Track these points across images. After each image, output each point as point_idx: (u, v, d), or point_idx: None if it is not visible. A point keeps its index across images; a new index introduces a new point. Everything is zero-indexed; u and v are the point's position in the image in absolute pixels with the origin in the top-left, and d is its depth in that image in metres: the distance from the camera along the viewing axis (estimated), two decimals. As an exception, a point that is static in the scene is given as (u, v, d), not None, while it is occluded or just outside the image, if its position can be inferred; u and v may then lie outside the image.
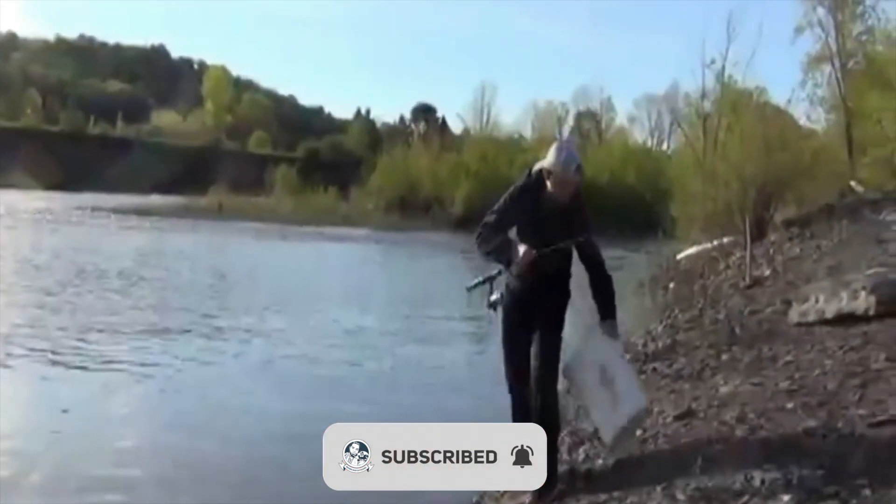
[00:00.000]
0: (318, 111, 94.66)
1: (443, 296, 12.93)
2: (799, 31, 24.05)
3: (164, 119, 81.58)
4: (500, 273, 3.92)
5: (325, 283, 16.25)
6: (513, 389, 4.09)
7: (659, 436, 4.55)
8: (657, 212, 15.63)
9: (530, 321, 4.03)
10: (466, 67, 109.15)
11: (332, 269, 19.68)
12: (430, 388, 7.45)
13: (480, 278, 3.97)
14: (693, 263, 12.43)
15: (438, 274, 17.89)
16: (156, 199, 48.12)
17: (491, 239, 3.95)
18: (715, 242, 13.34)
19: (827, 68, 24.05)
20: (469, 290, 4.00)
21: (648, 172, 27.51)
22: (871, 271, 6.67)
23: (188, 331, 9.92)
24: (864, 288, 6.02)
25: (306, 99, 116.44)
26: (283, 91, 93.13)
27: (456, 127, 60.41)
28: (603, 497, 3.83)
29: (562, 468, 4.64)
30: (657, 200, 16.75)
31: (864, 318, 5.91)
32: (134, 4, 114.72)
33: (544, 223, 3.94)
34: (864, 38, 24.08)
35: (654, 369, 6.40)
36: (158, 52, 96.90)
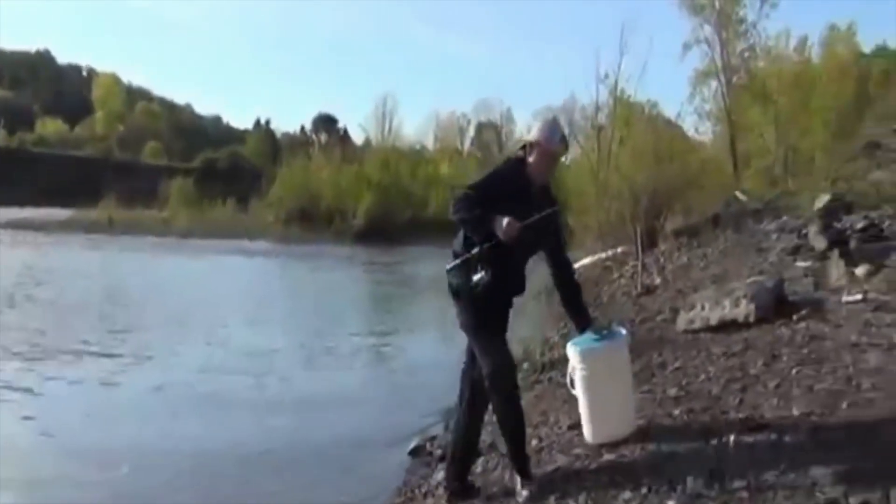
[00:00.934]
0: (216, 120, 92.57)
1: (345, 310, 12.84)
2: (687, 47, 25.16)
3: (50, 128, 77.86)
4: (480, 249, 3.74)
5: (224, 299, 15.82)
6: (500, 389, 3.91)
7: (553, 445, 4.61)
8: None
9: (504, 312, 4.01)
10: (368, 78, 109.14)
11: (230, 285, 19.21)
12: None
13: (459, 260, 3.81)
14: (588, 272, 12.74)
15: (341, 287, 17.73)
16: (41, 213, 45.85)
17: (472, 209, 3.74)
18: (609, 252, 13.75)
19: (713, 83, 25.27)
20: (449, 270, 3.85)
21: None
22: (750, 280, 6.98)
23: (72, 353, 9.51)
24: (744, 296, 6.30)
25: (203, 108, 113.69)
26: (179, 99, 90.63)
27: (357, 138, 60.17)
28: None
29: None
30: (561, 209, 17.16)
31: (744, 325, 6.17)
32: (17, 6, 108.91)
33: (525, 205, 3.83)
34: (746, 55, 25.41)
35: (550, 379, 6.50)
36: (43, 58, 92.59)
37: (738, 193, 17.26)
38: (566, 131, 4.11)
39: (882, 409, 3.76)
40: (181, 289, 16.35)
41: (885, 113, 13.07)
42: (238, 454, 6.07)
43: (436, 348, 9.17)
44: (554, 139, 3.93)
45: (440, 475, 5.09)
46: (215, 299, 15.44)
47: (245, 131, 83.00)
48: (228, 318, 12.54)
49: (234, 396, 7.87)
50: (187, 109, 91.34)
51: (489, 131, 60.80)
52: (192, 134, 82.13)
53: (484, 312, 3.88)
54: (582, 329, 4.17)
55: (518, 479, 3.97)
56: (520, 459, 3.96)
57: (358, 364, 9.40)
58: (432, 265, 18.18)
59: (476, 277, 3.73)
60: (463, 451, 4.21)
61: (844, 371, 4.49)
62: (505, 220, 3.61)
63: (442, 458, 5.61)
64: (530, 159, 3.92)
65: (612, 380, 4.19)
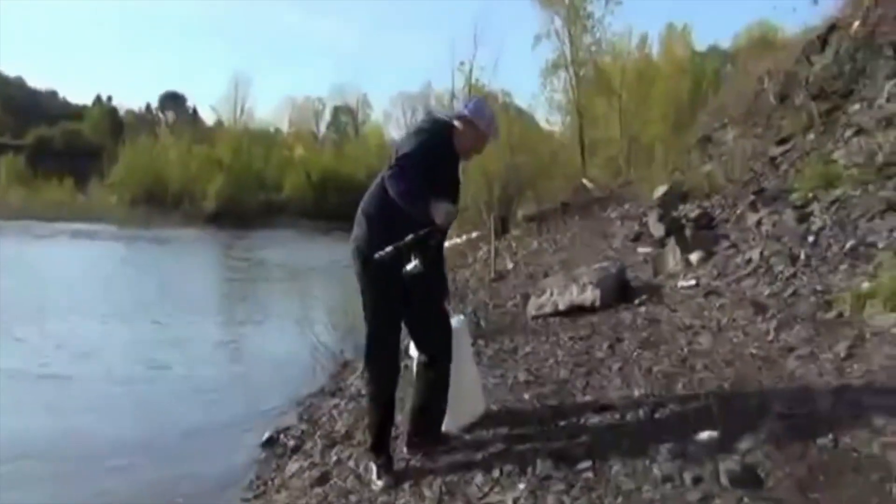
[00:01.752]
0: (52, 95, 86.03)
1: (195, 298, 12.28)
2: (539, 39, 25.83)
3: None
4: (414, 237, 3.55)
5: (62, 285, 14.70)
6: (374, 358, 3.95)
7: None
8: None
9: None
10: (224, 59, 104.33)
11: (69, 270, 17.92)
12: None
13: (391, 247, 3.61)
14: (447, 257, 12.89)
15: (191, 274, 16.99)
16: None
17: (415, 184, 3.50)
18: (464, 237, 13.99)
19: (563, 74, 26.08)
20: (379, 257, 3.63)
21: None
22: (596, 266, 7.30)
23: None
24: (590, 282, 6.58)
25: (37, 81, 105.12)
26: (10, 71, 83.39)
27: (208, 118, 57.67)
28: (356, 498, 3.83)
29: (315, 472, 4.63)
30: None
31: (590, 310, 6.46)
32: None
33: (452, 175, 3.81)
34: (593, 48, 26.41)
35: (405, 366, 6.51)
36: None
37: (585, 181, 17.98)
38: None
39: (711, 389, 4.02)
40: (11, 275, 15.07)
41: (716, 109, 13.95)
42: (79, 453, 5.70)
43: (290, 338, 8.93)
44: (492, 127, 3.85)
45: (294, 466, 5.01)
46: (53, 287, 14.35)
47: (84, 107, 77.69)
48: (66, 308, 11.69)
49: (71, 393, 7.37)
50: (18, 82, 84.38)
51: (345, 115, 60.16)
52: (24, 108, 75.93)
53: (386, 284, 3.79)
54: None
55: (373, 467, 3.96)
56: (374, 440, 3.99)
57: (208, 355, 8.98)
58: (286, 251, 17.78)
59: (409, 267, 3.59)
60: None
61: (679, 353, 4.78)
62: (444, 206, 3.46)
63: (295, 449, 5.52)
64: (462, 134, 3.79)
65: (455, 368, 4.22)
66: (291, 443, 5.65)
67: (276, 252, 16.78)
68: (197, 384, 7.66)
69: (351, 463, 4.54)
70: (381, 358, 3.92)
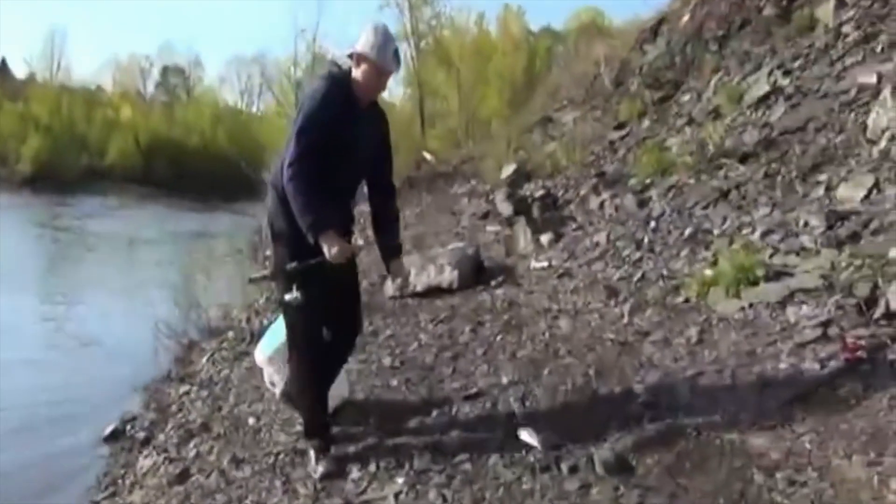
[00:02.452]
0: None
1: (11, 274, 11.06)
2: (381, 8, 25.58)
3: None
4: (300, 267, 3.30)
5: None
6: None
7: (273, 423, 4.47)
8: (249, 174, 15.34)
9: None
10: (33, 9, 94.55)
11: None
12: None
13: (266, 272, 3.26)
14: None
15: (4, 245, 15.42)
16: None
17: (309, 196, 3.22)
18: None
19: (404, 46, 26.04)
20: (252, 281, 3.30)
21: (239, 134, 27.07)
22: (451, 246, 7.38)
23: None
24: (448, 263, 6.64)
25: None
26: None
27: (20, 72, 52.29)
28: (223, 498, 3.65)
29: (172, 467, 4.37)
30: (249, 163, 16.44)
31: (448, 291, 6.52)
32: None
33: (352, 126, 3.37)
34: (433, 22, 26.56)
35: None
36: None
37: (425, 154, 18.08)
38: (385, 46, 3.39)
39: (577, 375, 4.18)
40: None
41: (554, 90, 14.46)
42: None
43: (126, 318, 8.25)
44: (387, 58, 3.38)
45: (147, 462, 4.70)
46: None
47: None
48: None
49: None
50: None
51: (175, 76, 56.68)
52: None
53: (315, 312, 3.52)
54: (388, 256, 3.78)
55: (311, 453, 3.73)
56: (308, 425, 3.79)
57: (32, 338, 8.19)
58: (114, 220, 16.62)
59: (288, 297, 3.33)
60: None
61: (542, 338, 4.93)
62: (335, 247, 3.25)
63: (146, 442, 5.19)
64: (357, 75, 3.38)
65: None
66: (141, 434, 5.29)
67: (103, 222, 15.61)
68: (22, 372, 6.95)
69: (212, 457, 4.32)
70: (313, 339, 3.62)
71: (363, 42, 3.36)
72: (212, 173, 21.74)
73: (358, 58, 3.37)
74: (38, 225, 15.36)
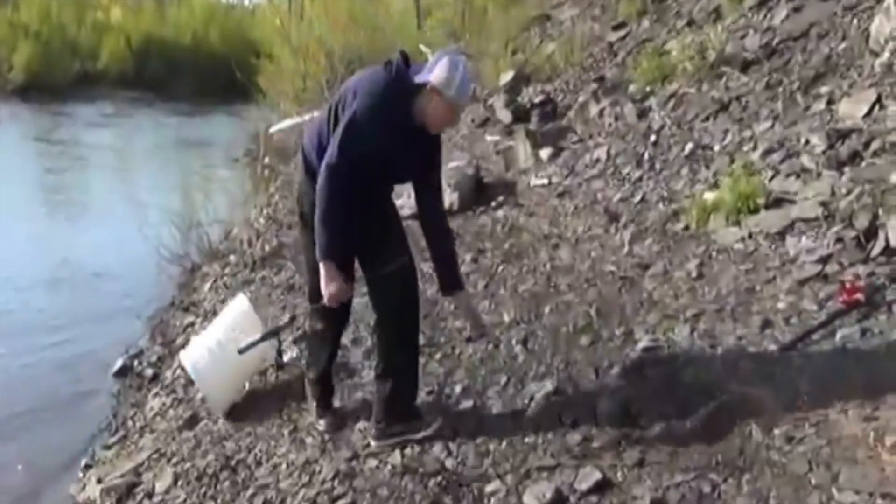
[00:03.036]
0: None
1: (5, 189, 10.81)
2: None
3: None
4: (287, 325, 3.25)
5: None
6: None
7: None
8: (242, 76, 14.96)
9: None
10: None
11: None
12: None
13: (258, 336, 3.19)
14: (287, 138, 12.33)
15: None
16: None
17: (342, 194, 3.06)
18: (306, 116, 13.37)
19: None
20: (242, 351, 3.27)
21: (232, 32, 26.25)
22: (451, 164, 7.28)
23: None
24: (448, 185, 6.58)
25: None
26: None
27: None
28: (233, 446, 3.75)
29: (181, 410, 4.49)
30: (242, 63, 15.98)
31: (449, 213, 6.45)
32: None
33: (408, 160, 3.22)
34: None
35: (263, 278, 6.32)
36: None
37: (422, 47, 17.51)
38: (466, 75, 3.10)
39: (578, 314, 4.22)
40: None
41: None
42: None
43: (126, 238, 7.97)
44: (466, 95, 3.14)
45: (156, 402, 4.82)
46: None
47: None
48: None
49: None
50: None
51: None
52: None
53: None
54: (446, 293, 3.54)
55: (313, 405, 3.78)
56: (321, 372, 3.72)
57: (29, 261, 7.93)
58: (109, 129, 16.33)
59: (286, 358, 3.28)
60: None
61: (543, 269, 4.95)
62: (334, 285, 3.13)
63: (153, 378, 5.29)
64: (426, 106, 3.09)
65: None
66: (149, 371, 5.40)
67: (96, 132, 15.29)
68: (20, 298, 6.89)
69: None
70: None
71: (440, 76, 3.03)
72: (205, 74, 21.23)
73: (432, 90, 3.05)
74: (31, 139, 15.07)
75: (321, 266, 3.15)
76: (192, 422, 4.25)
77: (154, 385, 5.13)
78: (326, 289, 3.18)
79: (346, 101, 3.16)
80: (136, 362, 5.60)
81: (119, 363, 5.58)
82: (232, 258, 7.11)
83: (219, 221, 8.27)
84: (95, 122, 16.30)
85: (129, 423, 4.73)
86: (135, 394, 5.18)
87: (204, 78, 20.86)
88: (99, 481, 3.95)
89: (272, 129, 13.30)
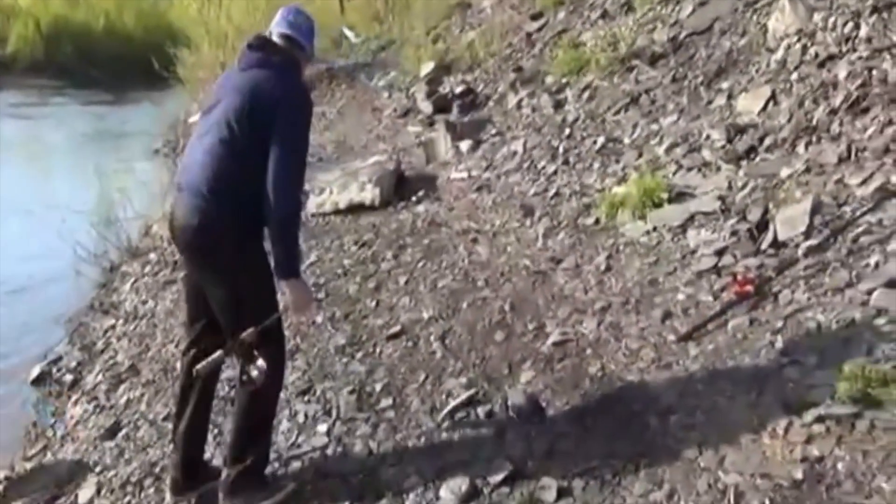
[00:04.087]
0: None
1: None
2: None
3: None
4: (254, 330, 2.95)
5: None
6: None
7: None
8: (160, 64, 14.56)
9: None
10: None
11: None
12: None
13: (219, 354, 2.96)
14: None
15: None
16: None
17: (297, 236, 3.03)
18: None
19: None
20: (200, 371, 3.02)
21: (147, 14, 25.44)
22: (373, 160, 7.37)
23: None
24: (369, 181, 6.67)
25: None
26: None
27: None
28: (158, 453, 3.80)
29: (102, 418, 4.48)
30: (159, 50, 15.54)
31: (371, 208, 6.59)
32: None
33: None
34: None
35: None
36: None
37: (345, 30, 17.36)
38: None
39: (494, 310, 4.40)
40: None
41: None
42: None
43: (39, 237, 7.71)
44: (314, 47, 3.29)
45: (77, 410, 4.78)
46: None
47: None
48: None
49: None
50: None
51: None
52: None
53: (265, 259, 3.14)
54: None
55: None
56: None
57: None
58: (19, 121, 15.62)
59: (253, 374, 3.00)
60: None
61: (461, 265, 5.10)
62: (305, 298, 3.13)
63: (73, 385, 5.22)
64: (304, 71, 3.24)
65: None
66: (68, 377, 5.30)
67: (6, 123, 14.65)
68: None
69: (143, 406, 4.45)
70: (282, 347, 3.30)
71: (302, 29, 3.18)
72: (120, 59, 20.50)
73: (306, 60, 3.25)
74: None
75: (292, 283, 3.03)
76: (113, 430, 4.25)
77: (74, 391, 5.07)
78: (296, 303, 3.09)
79: (261, 106, 2.99)
80: (54, 369, 5.48)
81: (36, 371, 5.41)
82: (152, 256, 7.03)
83: (138, 217, 8.12)
84: (3, 113, 15.64)
85: (50, 433, 4.67)
86: (54, 402, 5.11)
87: (119, 64, 20.15)
88: (19, 496, 3.93)
89: (191, 119, 13.08)
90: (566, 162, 6.29)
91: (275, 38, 3.18)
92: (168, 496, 3.38)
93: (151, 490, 3.58)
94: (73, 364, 5.47)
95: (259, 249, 3.12)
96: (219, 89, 3.22)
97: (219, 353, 3.00)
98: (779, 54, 5.75)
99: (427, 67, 10.20)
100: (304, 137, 3.03)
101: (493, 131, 7.65)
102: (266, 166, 2.92)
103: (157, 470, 3.70)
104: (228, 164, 2.99)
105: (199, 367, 3.04)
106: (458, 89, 9.32)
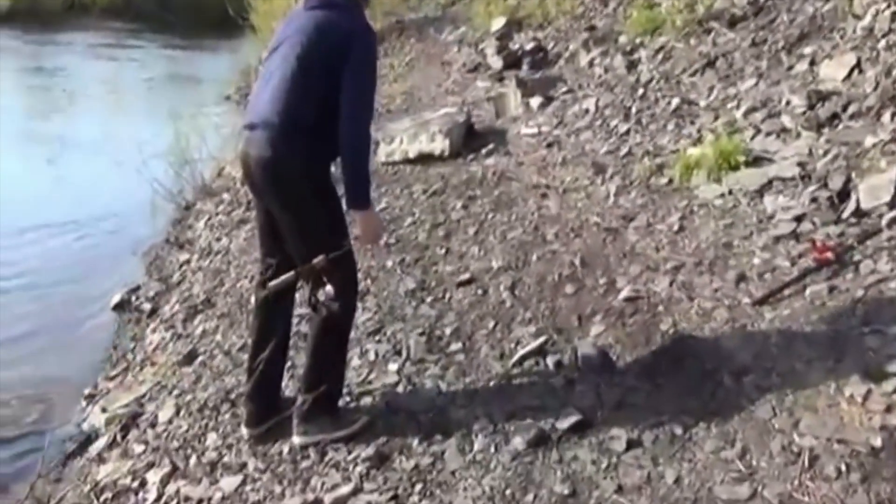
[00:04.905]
0: None
1: None
2: None
3: None
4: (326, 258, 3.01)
5: None
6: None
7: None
8: (234, 11, 14.65)
9: None
10: None
11: None
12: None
13: (291, 274, 3.04)
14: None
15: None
16: None
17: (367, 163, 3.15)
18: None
19: None
20: (272, 290, 3.12)
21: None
22: (443, 111, 7.38)
23: None
24: (440, 131, 6.70)
25: None
26: None
27: None
28: (232, 381, 3.94)
29: (180, 345, 4.66)
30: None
31: (440, 159, 6.63)
32: None
33: None
34: None
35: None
36: None
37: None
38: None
39: (564, 263, 4.41)
40: None
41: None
42: None
43: (117, 173, 7.89)
44: None
45: (156, 337, 4.99)
46: None
47: None
48: None
49: None
50: None
51: None
52: None
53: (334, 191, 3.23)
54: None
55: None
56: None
57: (17, 193, 7.92)
58: (100, 61, 15.97)
59: (321, 298, 3.12)
60: None
61: (531, 219, 5.11)
62: (375, 225, 3.28)
63: (152, 314, 5.44)
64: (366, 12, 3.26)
65: None
66: (147, 306, 5.54)
67: (86, 65, 14.97)
68: (19, 241, 6.87)
69: (218, 336, 4.61)
70: (353, 276, 3.34)
71: None
72: (195, 5, 20.68)
73: (365, 4, 3.30)
74: (19, 66, 14.81)
75: (363, 212, 3.16)
76: (190, 357, 4.43)
77: (152, 320, 5.29)
78: (376, 231, 3.33)
79: (328, 43, 3.07)
80: (133, 297, 5.73)
81: (117, 297, 5.69)
82: (226, 196, 7.21)
83: (211, 159, 8.33)
84: (84, 53, 16.00)
85: (130, 356, 4.90)
86: (134, 328, 5.34)
87: (194, 10, 20.38)
88: (103, 411, 4.14)
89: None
90: (639, 122, 6.22)
91: None
92: (243, 428, 3.51)
93: (227, 415, 3.72)
94: (152, 294, 5.69)
95: (327, 179, 3.21)
96: (284, 28, 3.30)
97: (290, 273, 3.08)
98: (866, 21, 5.56)
99: (498, 23, 10.11)
100: (371, 72, 3.09)
101: (564, 89, 7.58)
102: (333, 101, 3.00)
103: (232, 397, 3.84)
104: (297, 99, 3.06)
105: (271, 283, 3.13)
106: (529, 46, 9.23)
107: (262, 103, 3.16)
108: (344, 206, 3.18)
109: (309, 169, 3.12)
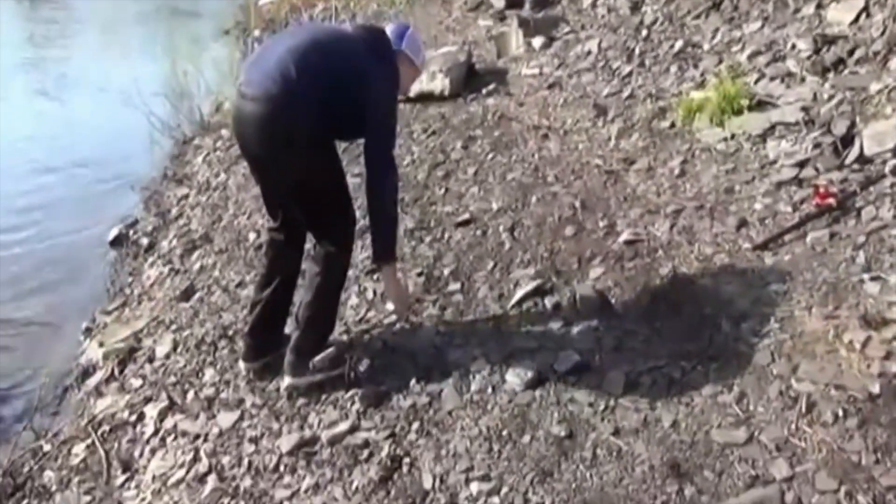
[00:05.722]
0: None
1: None
2: None
3: None
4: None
5: None
6: None
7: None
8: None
9: None
10: None
11: None
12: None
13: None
14: (277, 10, 12.02)
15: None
16: None
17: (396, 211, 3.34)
18: None
19: None
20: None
21: None
22: (444, 50, 7.23)
23: None
24: (440, 70, 6.58)
25: None
26: None
27: None
28: (230, 317, 3.94)
29: (178, 280, 4.65)
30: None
31: (440, 98, 6.53)
32: None
33: None
34: None
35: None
36: None
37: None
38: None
39: (564, 205, 4.37)
40: None
41: None
42: None
43: (115, 108, 7.83)
44: (423, 63, 3.50)
45: (153, 272, 4.98)
46: None
47: None
48: None
49: None
50: None
51: None
52: None
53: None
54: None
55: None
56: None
57: (17, 127, 7.93)
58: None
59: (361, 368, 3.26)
60: None
61: (531, 160, 5.06)
62: (400, 293, 3.43)
63: (149, 248, 5.42)
64: (402, 74, 3.22)
65: None
66: (144, 240, 5.52)
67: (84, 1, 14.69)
68: (17, 171, 6.89)
69: (217, 273, 4.60)
70: (353, 218, 3.33)
71: (412, 48, 3.27)
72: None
73: (405, 58, 3.24)
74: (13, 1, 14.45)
75: (389, 269, 3.25)
76: (188, 292, 4.43)
77: (150, 255, 5.26)
78: (397, 300, 3.45)
79: (356, 69, 3.06)
80: (131, 232, 5.70)
81: (114, 232, 5.67)
82: (224, 132, 7.12)
83: (209, 94, 8.22)
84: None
85: (128, 290, 4.89)
86: (131, 262, 5.32)
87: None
88: (101, 345, 4.14)
89: (261, 1, 12.93)
90: (642, 64, 6.11)
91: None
92: (240, 362, 3.51)
93: (225, 351, 3.73)
94: (149, 228, 5.66)
95: (330, 143, 3.21)
96: (315, 23, 3.23)
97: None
98: (875, -37, 5.41)
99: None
100: (392, 116, 3.19)
101: (567, 29, 7.42)
102: (339, 114, 3.04)
103: (230, 333, 3.85)
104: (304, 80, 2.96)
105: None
106: (532, -16, 8.98)
107: (269, 66, 2.99)
108: None
109: (309, 132, 3.02)
